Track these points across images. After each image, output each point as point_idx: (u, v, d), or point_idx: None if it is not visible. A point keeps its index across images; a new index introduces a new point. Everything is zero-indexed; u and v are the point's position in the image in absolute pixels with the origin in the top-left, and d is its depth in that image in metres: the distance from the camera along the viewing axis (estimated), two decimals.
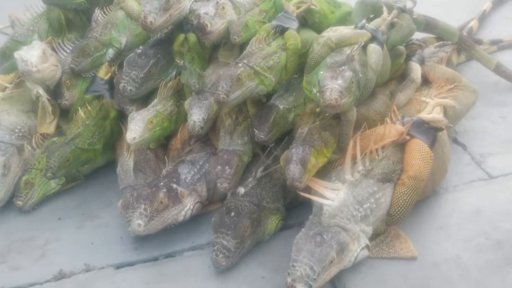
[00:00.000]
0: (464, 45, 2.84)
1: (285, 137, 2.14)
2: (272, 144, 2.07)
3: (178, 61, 2.32)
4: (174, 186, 2.10)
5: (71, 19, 2.68)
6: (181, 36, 2.34)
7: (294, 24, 2.18)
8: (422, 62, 2.55)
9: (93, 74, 2.54)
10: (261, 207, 2.03)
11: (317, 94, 1.82)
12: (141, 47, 2.45)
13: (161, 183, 2.09)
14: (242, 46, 2.33)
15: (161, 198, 2.03)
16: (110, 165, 2.60)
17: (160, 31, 2.33)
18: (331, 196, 1.80)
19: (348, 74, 1.75)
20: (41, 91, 2.40)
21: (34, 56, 2.32)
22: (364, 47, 1.98)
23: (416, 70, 2.44)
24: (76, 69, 2.47)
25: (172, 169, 2.18)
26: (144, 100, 2.45)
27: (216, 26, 2.12)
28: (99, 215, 2.38)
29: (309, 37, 2.22)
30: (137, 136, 2.16)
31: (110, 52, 2.52)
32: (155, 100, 2.32)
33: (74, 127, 2.39)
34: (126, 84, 2.31)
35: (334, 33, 2.07)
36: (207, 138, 2.33)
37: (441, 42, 2.81)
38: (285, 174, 1.83)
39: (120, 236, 2.23)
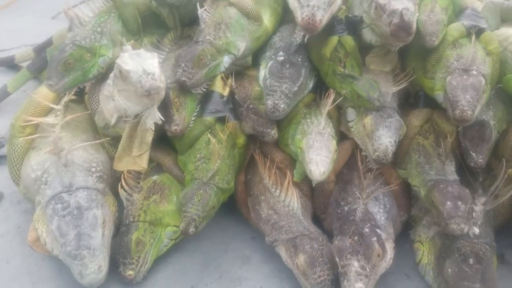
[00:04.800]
0: None
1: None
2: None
3: (342, 70, 1.83)
4: (378, 231, 1.63)
5: (164, 17, 2.01)
6: (334, 39, 1.86)
7: (484, 23, 1.85)
8: None
9: (204, 89, 1.92)
10: (492, 247, 1.66)
11: None
12: (281, 53, 1.90)
13: (366, 229, 1.60)
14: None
15: (377, 250, 1.55)
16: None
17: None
18: None
19: None
20: (158, 114, 1.72)
21: (156, 67, 1.65)
22: None
23: None
24: (189, 83, 1.82)
25: (365, 209, 1.69)
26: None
27: (415, 24, 1.69)
28: (243, 276, 1.78)
29: None
30: (326, 169, 1.63)
31: (226, 60, 1.92)
32: (322, 121, 1.79)
33: (212, 161, 1.75)
34: (278, 101, 1.75)
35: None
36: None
37: None
38: None
39: None
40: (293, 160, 1.90)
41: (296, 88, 1.80)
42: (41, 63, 2.60)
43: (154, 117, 1.74)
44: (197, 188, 1.69)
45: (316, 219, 1.89)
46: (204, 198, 1.66)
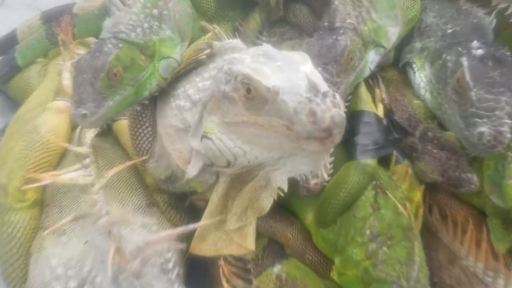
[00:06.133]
0: None
1: None
2: None
3: None
4: None
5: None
6: None
7: None
8: None
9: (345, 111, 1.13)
10: None
11: None
12: (475, 44, 1.14)
13: None
14: None
15: None
16: None
17: None
18: None
19: None
20: (324, 164, 0.90)
21: (322, 79, 0.84)
22: None
23: None
24: None
25: None
26: None
27: None
28: None
29: None
30: None
31: (373, 57, 1.15)
32: None
33: (402, 244, 0.97)
34: (501, 127, 1.01)
35: None
36: None
37: None
38: None
39: None
40: (483, 217, 1.18)
41: None
42: (7, 69, 1.68)
43: (297, 169, 0.92)
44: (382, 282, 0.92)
45: None
46: None
